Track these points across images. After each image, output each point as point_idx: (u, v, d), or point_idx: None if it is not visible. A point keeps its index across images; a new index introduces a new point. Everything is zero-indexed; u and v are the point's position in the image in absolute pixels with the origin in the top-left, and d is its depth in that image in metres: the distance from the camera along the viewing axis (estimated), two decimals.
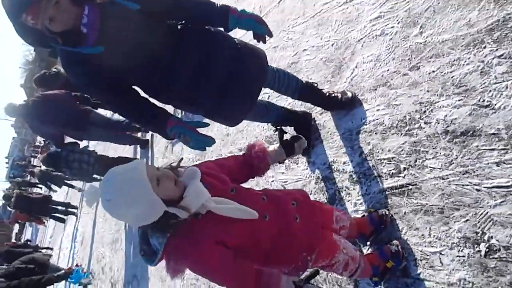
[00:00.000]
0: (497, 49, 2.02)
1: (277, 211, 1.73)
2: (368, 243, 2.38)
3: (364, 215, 2.42)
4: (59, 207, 11.90)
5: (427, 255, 2.09)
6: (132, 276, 6.54)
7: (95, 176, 7.29)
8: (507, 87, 1.94)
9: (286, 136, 2.02)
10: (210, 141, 2.12)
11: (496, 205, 1.86)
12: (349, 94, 2.78)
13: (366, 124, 2.65)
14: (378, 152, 2.50)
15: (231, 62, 2.22)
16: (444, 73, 2.23)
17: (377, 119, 2.57)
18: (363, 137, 2.64)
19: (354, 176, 2.64)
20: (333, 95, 2.83)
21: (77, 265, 7.58)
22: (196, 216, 1.50)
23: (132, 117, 2.46)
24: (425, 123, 2.26)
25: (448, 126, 2.14)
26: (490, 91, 2.00)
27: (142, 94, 2.27)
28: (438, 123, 2.19)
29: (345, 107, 2.81)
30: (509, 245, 1.79)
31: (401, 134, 2.38)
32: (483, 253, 1.86)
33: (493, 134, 1.94)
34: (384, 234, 2.31)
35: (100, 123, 6.18)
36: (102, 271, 8.32)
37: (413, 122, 2.33)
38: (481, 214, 1.91)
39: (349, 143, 2.74)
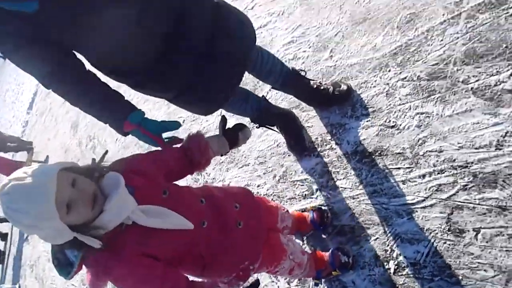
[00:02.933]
0: (400, 72, 2.11)
1: (217, 217, 1.50)
2: (305, 238, 2.30)
3: (305, 210, 2.31)
4: None
5: (340, 277, 2.08)
6: None
7: None
8: (410, 108, 2.02)
9: (228, 125, 1.74)
10: (172, 137, 1.69)
11: (403, 223, 1.90)
12: (344, 87, 2.33)
13: (279, 147, 2.65)
14: (292, 174, 2.50)
15: (212, 24, 1.73)
16: (353, 95, 2.28)
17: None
18: (276, 160, 2.63)
19: (268, 198, 2.61)
20: (322, 87, 2.37)
21: None
22: (121, 226, 1.25)
23: (76, 98, 1.70)
24: (336, 144, 2.30)
25: (357, 147, 2.18)
26: (395, 112, 2.07)
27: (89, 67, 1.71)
28: (348, 144, 2.23)
29: (336, 102, 2.36)
30: (415, 261, 1.82)
31: (314, 155, 2.39)
32: (392, 270, 1.88)
33: (399, 153, 2.00)
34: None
35: None
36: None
37: (325, 144, 2.36)
38: (390, 232, 1.94)
39: (262, 166, 2.72)
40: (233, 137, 1.70)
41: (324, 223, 2.20)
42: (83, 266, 1.29)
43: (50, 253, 1.34)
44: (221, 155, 1.71)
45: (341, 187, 2.20)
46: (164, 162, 1.52)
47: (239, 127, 1.73)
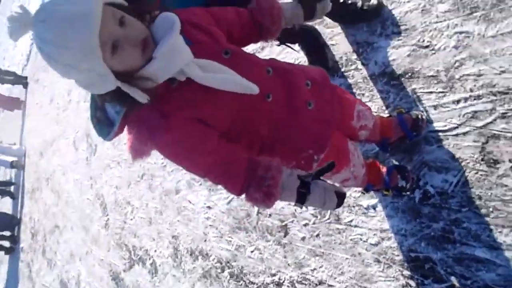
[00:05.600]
0: None
1: (285, 91, 1.26)
2: (390, 148, 1.95)
3: (391, 116, 1.94)
4: None
5: (361, 202, 2.02)
6: (53, 226, 6.23)
7: None
8: (448, 27, 1.84)
9: None
10: None
11: (432, 150, 1.80)
12: (374, 1, 2.12)
13: None
14: None
15: None
16: (384, 11, 2.09)
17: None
18: None
19: None
20: (349, 1, 2.15)
21: None
22: (172, 82, 1.08)
23: None
24: (362, 64, 2.14)
25: (386, 68, 2.03)
26: (431, 30, 1.90)
27: None
28: (376, 64, 2.08)
29: (365, 19, 2.17)
30: (443, 191, 1.74)
31: (337, 75, 2.25)
32: (417, 199, 1.81)
33: (432, 76, 1.85)
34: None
35: None
36: (21, 221, 7.92)
37: (350, 63, 2.21)
38: (417, 159, 1.84)
39: None
40: (310, 8, 1.40)
41: (418, 127, 1.81)
42: (125, 129, 1.13)
43: (89, 110, 1.19)
44: (293, 27, 1.45)
45: None
46: (227, 22, 1.29)
47: None
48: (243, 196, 1.19)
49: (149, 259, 3.64)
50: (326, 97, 1.38)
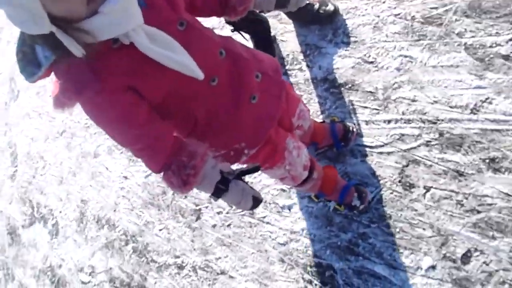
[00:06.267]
0: (395, 7, 1.94)
1: (233, 79, 1.20)
2: (316, 153, 1.96)
3: (324, 122, 1.95)
4: None
5: (277, 200, 2.03)
6: None
7: None
8: (395, 48, 1.88)
9: None
10: None
11: (356, 163, 1.84)
12: (330, 7, 2.12)
13: None
14: None
15: None
16: (338, 19, 2.11)
17: None
18: None
19: None
20: (307, 1, 2.08)
21: None
22: (114, 42, 0.97)
23: None
24: (307, 66, 2.14)
25: (329, 74, 2.04)
26: (378, 48, 1.93)
27: None
28: (320, 69, 2.08)
29: (319, 22, 2.16)
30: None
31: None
32: (331, 208, 1.84)
33: (370, 92, 1.89)
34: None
35: None
36: None
37: (295, 63, 2.20)
38: (339, 169, 1.87)
39: None
40: None
41: (347, 139, 1.85)
42: (52, 74, 1.01)
43: (16, 43, 1.04)
44: (261, 11, 1.37)
45: None
46: None
47: None
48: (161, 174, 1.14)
49: (52, 219, 3.46)
50: (274, 92, 1.32)
